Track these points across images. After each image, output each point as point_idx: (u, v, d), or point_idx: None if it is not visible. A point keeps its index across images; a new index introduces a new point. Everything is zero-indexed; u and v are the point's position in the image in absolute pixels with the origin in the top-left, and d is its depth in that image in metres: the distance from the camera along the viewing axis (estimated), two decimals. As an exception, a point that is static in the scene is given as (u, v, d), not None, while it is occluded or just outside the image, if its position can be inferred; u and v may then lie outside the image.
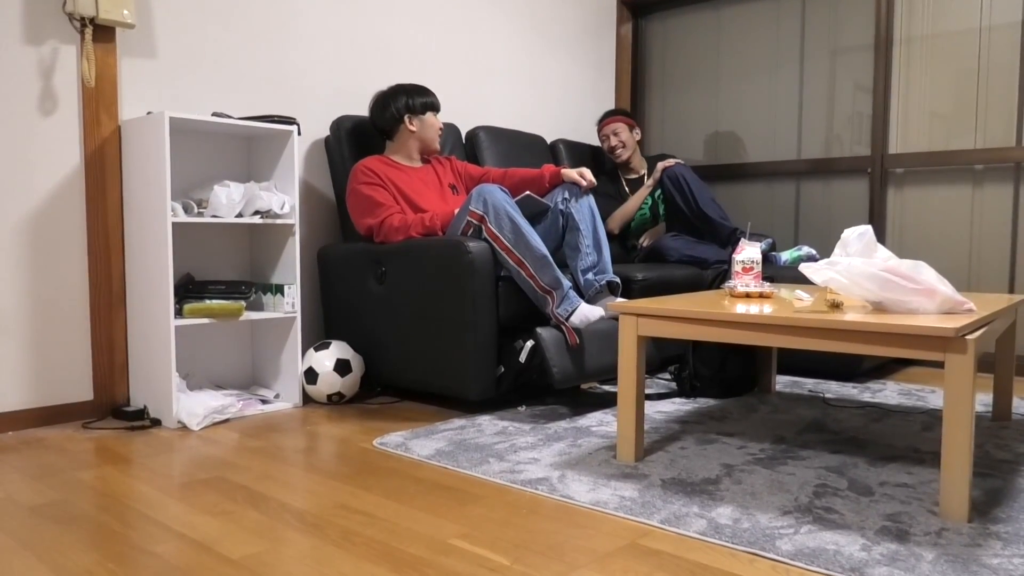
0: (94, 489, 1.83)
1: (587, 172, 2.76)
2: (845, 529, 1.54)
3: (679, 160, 3.63)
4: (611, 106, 4.48)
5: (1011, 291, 3.40)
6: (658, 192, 3.63)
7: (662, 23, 4.47)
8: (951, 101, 3.52)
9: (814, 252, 3.39)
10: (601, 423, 2.41)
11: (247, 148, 2.86)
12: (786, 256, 3.35)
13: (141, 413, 2.49)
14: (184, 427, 2.42)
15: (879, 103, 3.66)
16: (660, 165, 3.59)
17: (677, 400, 2.74)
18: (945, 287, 1.74)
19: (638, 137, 3.81)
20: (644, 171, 3.79)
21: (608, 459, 2.02)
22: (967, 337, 1.55)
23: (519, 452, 2.09)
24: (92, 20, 2.43)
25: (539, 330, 2.46)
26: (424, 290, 2.58)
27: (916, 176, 3.62)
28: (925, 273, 1.75)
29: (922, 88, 3.59)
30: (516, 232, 2.46)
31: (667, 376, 3.13)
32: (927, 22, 3.57)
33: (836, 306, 1.84)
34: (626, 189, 3.78)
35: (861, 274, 1.75)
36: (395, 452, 2.12)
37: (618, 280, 2.68)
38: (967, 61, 3.47)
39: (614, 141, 3.73)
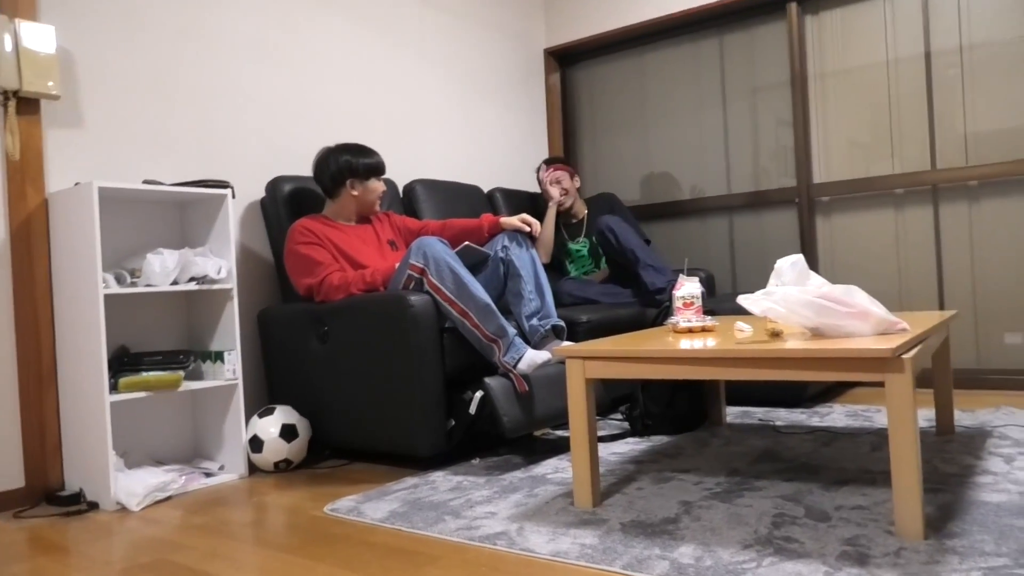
0: (28, 583, 1.73)
1: (528, 217, 2.79)
2: (806, 558, 1.54)
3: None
4: (545, 153, 4.55)
5: (941, 307, 3.52)
6: (595, 237, 3.68)
7: (587, 71, 4.58)
8: (867, 130, 3.67)
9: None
10: (556, 470, 2.39)
11: (180, 214, 2.81)
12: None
13: (77, 497, 2.36)
14: (124, 508, 2.31)
15: (800, 136, 3.80)
16: (554, 195, 3.74)
17: (630, 440, 2.74)
18: (878, 309, 1.79)
19: (578, 184, 3.88)
20: (584, 214, 3.84)
21: (566, 506, 2.00)
22: (903, 356, 1.59)
23: (475, 507, 2.05)
24: (16, 93, 2.37)
25: (487, 380, 2.43)
26: (368, 347, 2.54)
27: (841, 203, 3.75)
28: (858, 296, 1.79)
29: (839, 119, 3.75)
30: (458, 283, 2.45)
31: (619, 416, 3.13)
32: (837, 58, 3.74)
33: (776, 335, 1.87)
34: (564, 234, 3.82)
35: (797, 302, 1.79)
36: (347, 517, 2.06)
37: (563, 324, 2.68)
38: (878, 92, 3.64)
39: (558, 190, 3.78)
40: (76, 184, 2.42)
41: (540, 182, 3.84)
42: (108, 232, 2.60)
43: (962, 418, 2.76)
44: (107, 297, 2.55)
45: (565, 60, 4.64)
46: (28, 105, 2.43)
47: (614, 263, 3.57)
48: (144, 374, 2.44)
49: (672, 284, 3.18)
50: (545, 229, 3.75)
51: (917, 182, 3.53)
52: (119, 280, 2.44)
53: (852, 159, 3.72)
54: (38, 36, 2.39)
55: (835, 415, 2.96)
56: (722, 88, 4.09)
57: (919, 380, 3.04)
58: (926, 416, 2.82)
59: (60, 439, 2.48)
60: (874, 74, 3.65)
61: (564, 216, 3.88)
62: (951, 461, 2.20)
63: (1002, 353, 3.38)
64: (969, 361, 3.44)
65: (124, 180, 2.66)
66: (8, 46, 2.33)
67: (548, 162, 3.88)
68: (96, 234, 2.30)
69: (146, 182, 2.52)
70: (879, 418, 2.85)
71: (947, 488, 1.95)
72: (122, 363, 2.48)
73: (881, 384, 1.63)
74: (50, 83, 2.41)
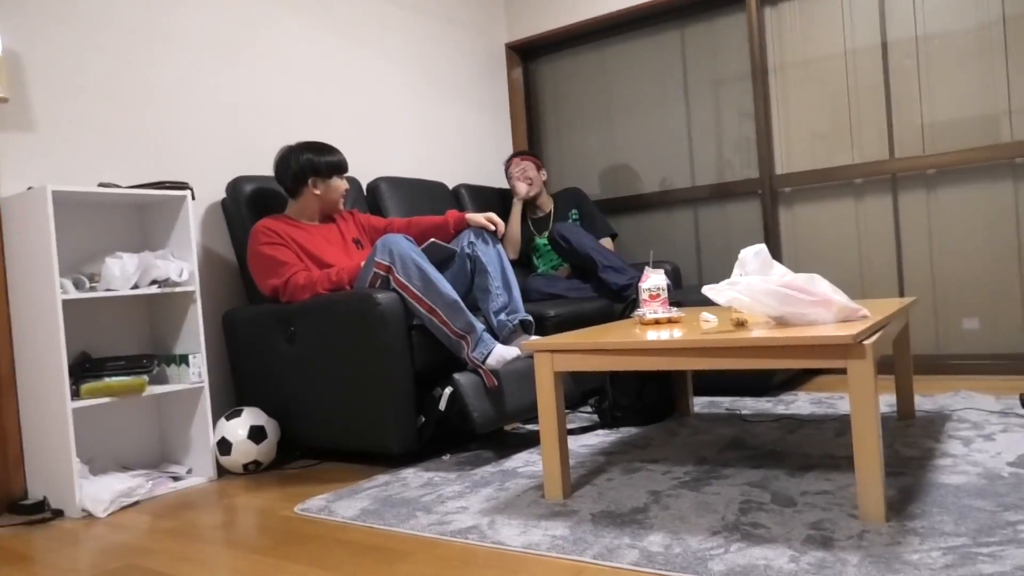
0: (-10, 595, 1.70)
1: (494, 216, 2.78)
2: (772, 543, 1.57)
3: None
4: (509, 148, 4.55)
5: (901, 294, 3.59)
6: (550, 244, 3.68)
7: (550, 65, 4.59)
8: (827, 121, 3.73)
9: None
10: (527, 463, 2.39)
11: (139, 217, 2.76)
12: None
13: (41, 505, 2.32)
14: (90, 515, 2.27)
15: (762, 127, 3.84)
16: (519, 191, 3.76)
17: (600, 432, 2.75)
18: (840, 296, 1.82)
19: (544, 177, 3.89)
20: (550, 208, 3.86)
21: (537, 499, 2.00)
22: (864, 343, 1.62)
23: (447, 502, 2.05)
24: (-40, 96, 2.32)
25: (456, 376, 2.43)
26: (336, 346, 2.52)
27: (803, 194, 3.80)
28: (820, 285, 1.82)
29: (800, 111, 3.80)
30: (425, 280, 2.44)
31: (588, 409, 3.15)
32: (796, 49, 3.79)
33: (741, 324, 1.90)
34: (532, 228, 3.83)
35: (761, 291, 1.81)
36: (318, 516, 2.05)
37: (531, 318, 2.69)
38: (837, 83, 3.69)
39: (522, 178, 3.80)
40: (29, 188, 2.36)
41: (508, 177, 3.85)
42: (64, 237, 2.55)
43: (922, 403, 2.82)
44: (66, 303, 2.51)
45: (527, 55, 4.65)
46: (-21, 107, 2.38)
47: (574, 265, 3.59)
48: (107, 379, 2.40)
49: (635, 280, 3.22)
50: (511, 225, 3.75)
51: (876, 171, 3.59)
52: (77, 285, 2.40)
53: (813, 150, 3.77)
54: (-12, 36, 2.34)
55: (800, 403, 3.00)
56: (684, 81, 4.12)
57: (880, 366, 3.10)
58: (887, 401, 2.87)
59: (22, 447, 2.43)
60: (833, 65, 3.70)
61: (531, 209, 3.89)
62: (912, 445, 2.24)
63: (960, 338, 3.46)
64: (928, 347, 3.52)
65: (79, 183, 2.61)
66: (-43, 47, 2.27)
67: (515, 155, 3.89)
68: (52, 239, 2.25)
69: (102, 185, 2.47)
70: (842, 404, 2.90)
71: (908, 471, 1.99)
72: (84, 369, 2.44)
73: (844, 371, 1.66)
74: None
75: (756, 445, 2.39)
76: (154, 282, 2.51)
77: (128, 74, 2.77)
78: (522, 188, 3.76)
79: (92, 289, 2.42)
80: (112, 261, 2.43)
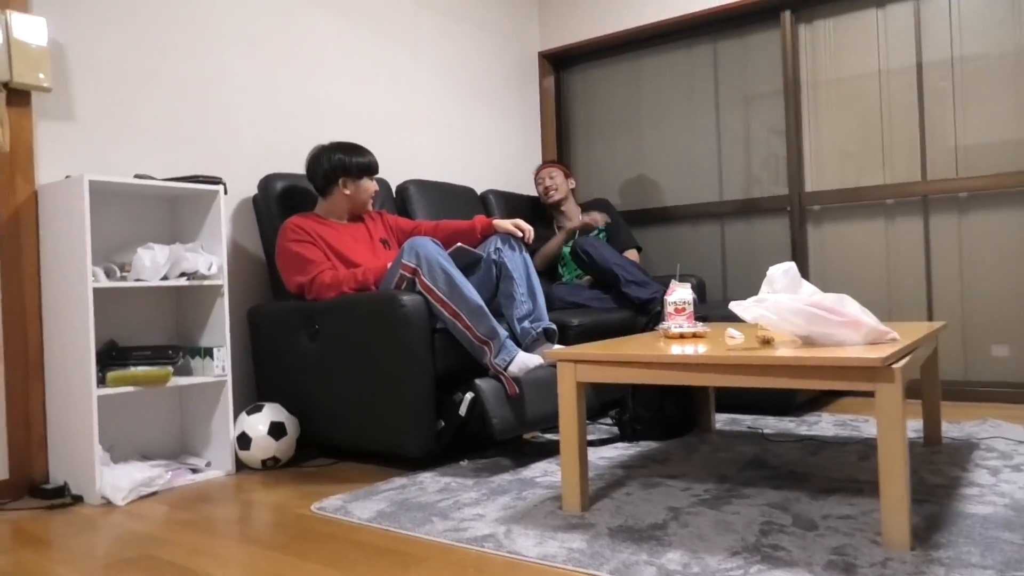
0: (10, 577, 1.71)
1: (521, 223, 2.78)
2: (793, 566, 1.55)
3: (591, 219, 3.58)
4: (539, 155, 4.56)
5: (930, 318, 3.54)
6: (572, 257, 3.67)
7: (583, 74, 4.58)
8: (859, 140, 3.69)
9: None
10: (545, 473, 2.38)
11: (172, 209, 2.79)
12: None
13: (61, 490, 2.35)
14: (108, 503, 2.29)
15: (792, 144, 3.81)
16: (579, 219, 3.63)
17: (619, 444, 2.74)
18: (869, 318, 1.80)
19: (572, 186, 3.89)
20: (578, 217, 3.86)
21: (554, 510, 1.99)
22: (894, 366, 1.60)
23: (463, 509, 2.05)
24: (6, 84, 2.35)
25: (478, 381, 2.43)
26: (359, 346, 2.53)
27: (832, 212, 3.77)
28: (849, 306, 1.80)
29: (831, 129, 3.76)
30: (450, 284, 2.44)
31: (608, 421, 3.13)
32: (830, 67, 3.76)
33: (767, 342, 1.88)
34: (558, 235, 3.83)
35: (788, 310, 1.79)
36: (334, 516, 2.05)
37: (554, 327, 2.68)
38: (870, 102, 3.66)
39: (548, 182, 3.83)
40: (67, 177, 2.40)
41: (536, 184, 3.85)
42: (98, 226, 2.58)
43: (949, 429, 2.77)
44: (96, 291, 2.54)
45: (560, 63, 4.65)
46: (19, 97, 2.41)
47: (597, 279, 3.56)
48: (132, 369, 2.43)
49: (659, 294, 3.20)
50: (551, 246, 3.72)
51: (908, 193, 3.55)
52: (108, 274, 2.42)
53: (843, 168, 3.73)
54: (29, 28, 2.37)
55: (823, 424, 2.97)
56: (715, 95, 4.10)
57: (907, 390, 3.05)
58: (913, 427, 2.83)
59: (46, 432, 2.46)
60: (866, 84, 3.67)
61: (558, 218, 3.89)
62: (938, 472, 2.21)
63: (989, 365, 3.41)
64: (956, 372, 3.46)
65: (115, 174, 2.64)
66: None
67: (544, 164, 3.91)
68: (86, 227, 2.28)
69: (138, 176, 2.50)
70: (867, 428, 2.86)
71: (934, 499, 1.95)
72: (111, 357, 2.46)
73: (870, 394, 1.64)
74: (41, 75, 2.39)
75: (778, 465, 2.36)
76: (183, 274, 2.53)
77: (167, 70, 2.81)
78: (600, 220, 3.62)
79: (123, 278, 2.45)
80: (143, 252, 2.45)
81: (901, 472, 1.58)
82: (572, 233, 3.68)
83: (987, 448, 2.47)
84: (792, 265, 1.97)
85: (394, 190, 3.44)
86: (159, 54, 2.79)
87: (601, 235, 3.79)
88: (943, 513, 1.84)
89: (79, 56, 2.58)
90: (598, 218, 3.59)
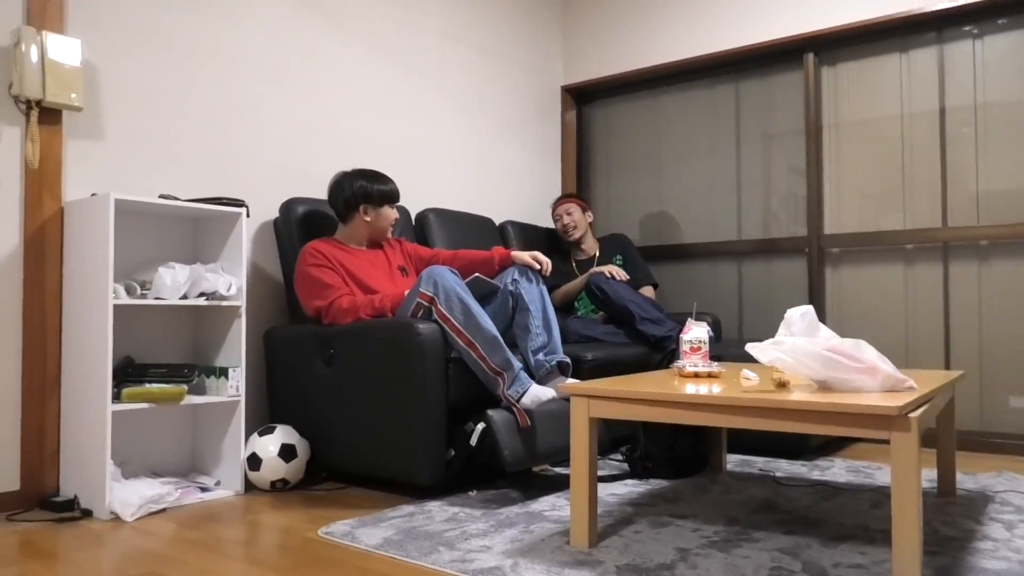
0: (17, 590, 1.72)
1: (539, 255, 2.79)
2: (802, 613, 1.53)
3: (603, 271, 3.55)
4: (558, 189, 4.58)
5: (947, 367, 3.51)
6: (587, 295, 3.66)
7: (604, 109, 4.62)
8: (879, 183, 3.69)
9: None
10: (554, 507, 2.37)
11: (194, 229, 2.83)
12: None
13: (71, 504, 2.36)
14: (117, 518, 2.30)
15: (813, 185, 3.82)
16: (606, 270, 3.58)
17: (629, 481, 2.72)
18: (886, 365, 1.79)
19: (590, 219, 3.91)
20: (595, 252, 3.86)
21: (562, 545, 1.98)
22: (910, 415, 1.59)
23: (470, 540, 2.04)
24: (39, 103, 2.41)
25: (490, 412, 2.43)
26: (373, 372, 2.54)
27: (851, 255, 3.76)
28: (867, 352, 1.79)
29: (852, 171, 3.77)
30: (466, 313, 2.45)
31: (619, 457, 3.11)
32: (852, 110, 3.77)
33: (782, 385, 1.87)
34: (575, 270, 3.84)
35: (806, 353, 1.79)
36: (341, 542, 2.04)
37: (568, 360, 2.68)
38: (892, 145, 3.66)
39: (567, 220, 3.83)
40: (93, 195, 2.44)
41: (554, 220, 3.87)
42: (121, 243, 2.62)
43: (964, 481, 2.73)
44: (116, 307, 2.56)
45: (582, 98, 4.69)
46: (50, 115, 2.47)
47: (611, 316, 3.55)
48: (148, 386, 2.45)
49: (675, 332, 3.19)
50: (573, 287, 3.70)
51: (928, 239, 3.54)
52: (129, 291, 2.45)
53: (863, 211, 3.73)
54: (64, 49, 2.43)
55: (836, 469, 2.94)
56: (736, 133, 4.12)
57: (922, 439, 3.02)
58: (928, 476, 2.79)
59: (59, 445, 2.47)
60: (888, 127, 3.67)
61: (575, 251, 3.90)
62: (951, 524, 2.18)
63: (1006, 417, 3.36)
64: (973, 422, 3.42)
65: (140, 193, 2.68)
66: (34, 57, 2.37)
67: (560, 197, 3.93)
68: (110, 244, 2.31)
69: (162, 196, 2.54)
70: (880, 475, 2.83)
71: (946, 552, 1.93)
72: (127, 373, 2.48)
73: (885, 441, 1.63)
74: (73, 95, 2.45)
75: (789, 509, 2.34)
76: (202, 294, 2.56)
77: (195, 93, 2.86)
78: (619, 273, 3.57)
79: (143, 296, 2.48)
80: (164, 271, 2.48)
81: (914, 523, 1.56)
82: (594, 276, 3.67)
83: (1002, 501, 2.43)
84: (810, 308, 1.96)
85: (414, 218, 3.47)
86: (188, 79, 2.85)
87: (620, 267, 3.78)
88: (955, 566, 1.81)
89: (111, 78, 2.64)
90: (616, 273, 3.53)
